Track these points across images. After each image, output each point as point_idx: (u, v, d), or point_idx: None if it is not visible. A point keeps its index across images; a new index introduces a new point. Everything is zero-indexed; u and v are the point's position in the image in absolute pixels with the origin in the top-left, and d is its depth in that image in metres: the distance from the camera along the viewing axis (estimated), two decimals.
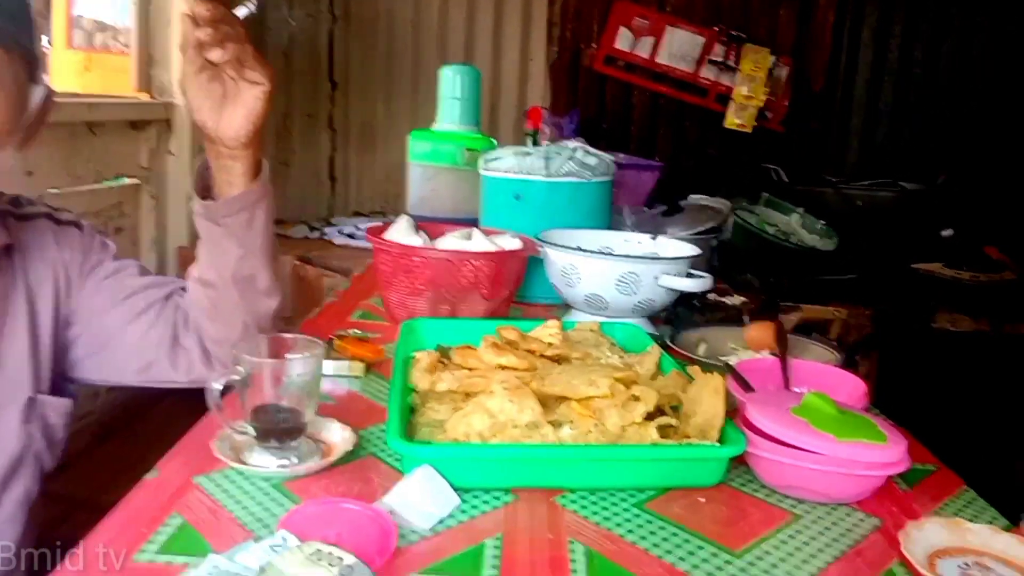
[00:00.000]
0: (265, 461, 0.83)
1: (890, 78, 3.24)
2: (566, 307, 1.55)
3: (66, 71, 2.85)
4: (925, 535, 0.73)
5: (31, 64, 0.87)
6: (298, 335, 0.89)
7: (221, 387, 0.82)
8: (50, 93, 0.90)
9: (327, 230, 2.99)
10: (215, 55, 0.84)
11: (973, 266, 2.64)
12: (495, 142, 2.10)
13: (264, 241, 0.98)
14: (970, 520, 0.76)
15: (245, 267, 0.98)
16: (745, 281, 2.48)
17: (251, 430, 0.84)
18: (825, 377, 1.07)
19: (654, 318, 1.55)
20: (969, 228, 2.76)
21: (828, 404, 0.84)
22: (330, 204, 3.47)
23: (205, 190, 0.98)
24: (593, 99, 3.36)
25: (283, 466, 0.83)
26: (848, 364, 2.57)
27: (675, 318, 1.57)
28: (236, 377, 0.82)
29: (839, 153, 3.30)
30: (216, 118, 0.90)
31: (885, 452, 0.80)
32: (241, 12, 0.90)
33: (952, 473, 0.94)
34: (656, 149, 3.36)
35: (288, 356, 0.86)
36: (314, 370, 0.85)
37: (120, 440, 2.03)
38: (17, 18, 0.85)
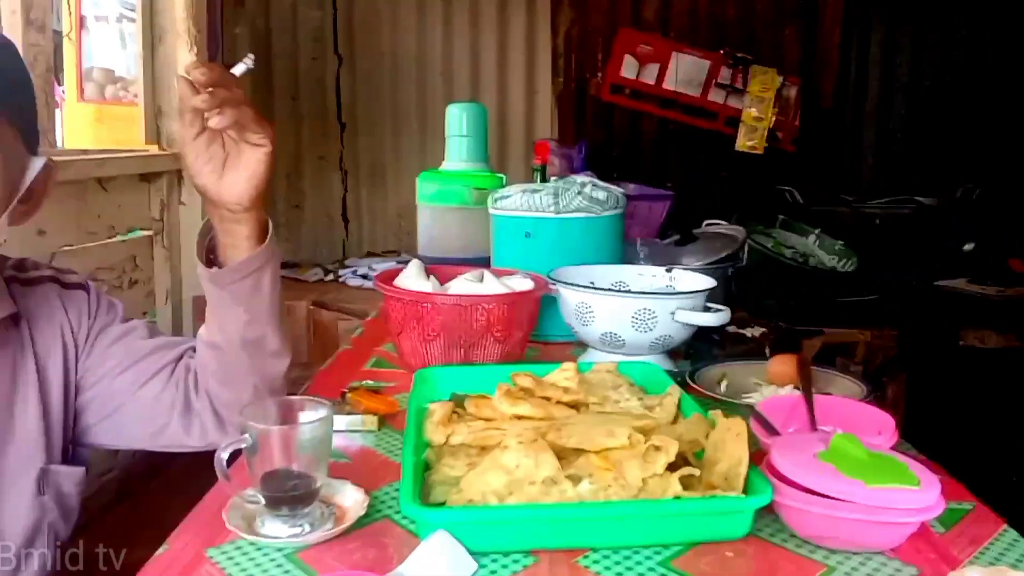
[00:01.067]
0: (277, 530, 0.81)
1: (900, 92, 3.22)
2: (583, 345, 1.53)
3: (79, 123, 2.89)
4: None
5: (28, 136, 0.86)
6: (305, 397, 0.87)
7: (228, 455, 0.80)
8: (50, 164, 0.89)
9: (341, 272, 2.98)
10: (214, 121, 0.83)
11: (998, 280, 2.59)
12: (504, 179, 2.09)
13: (271, 304, 0.96)
14: (1013, 566, 0.73)
15: (252, 331, 0.96)
16: (765, 307, 2.45)
17: (261, 498, 0.82)
18: (852, 413, 1.03)
19: (673, 353, 1.52)
20: (991, 241, 2.71)
21: (856, 446, 0.81)
22: (344, 245, 3.47)
23: (210, 253, 0.96)
24: (601, 128, 3.35)
25: (295, 535, 0.80)
26: (875, 387, 2.52)
27: (694, 353, 1.54)
28: (243, 444, 0.80)
29: (853, 171, 3.27)
30: (217, 182, 0.88)
31: (918, 496, 0.76)
32: (239, 70, 0.89)
33: (991, 511, 0.90)
34: (668, 175, 3.34)
35: (297, 421, 0.84)
36: (324, 433, 0.83)
37: (139, 496, 2.01)
38: (12, 91, 0.85)
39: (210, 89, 0.82)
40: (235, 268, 0.92)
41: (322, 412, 0.83)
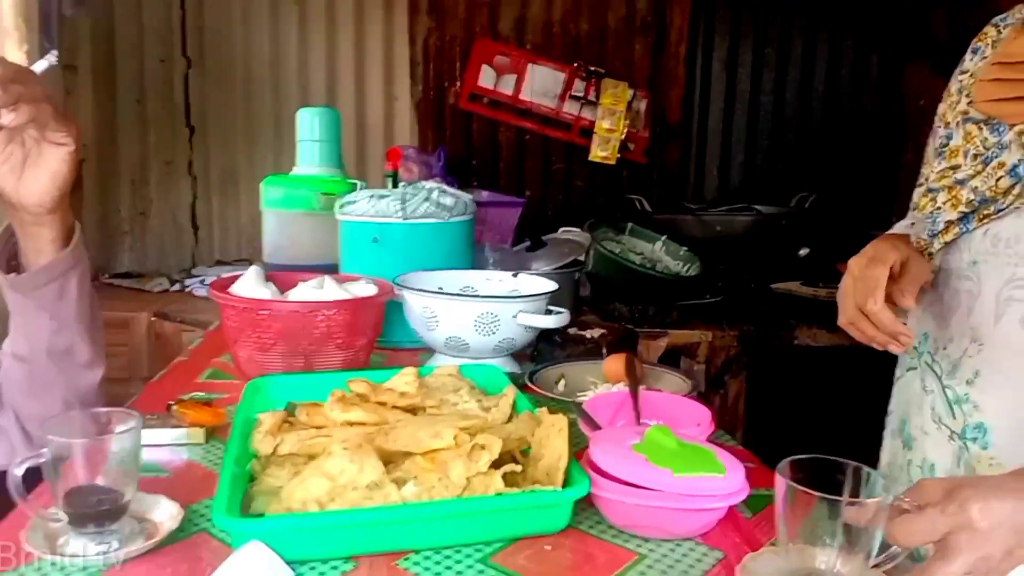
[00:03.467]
0: (82, 548, 0.77)
1: (741, 107, 3.40)
2: (432, 351, 1.53)
3: None
4: (761, 565, 0.73)
5: None
6: (114, 409, 0.82)
7: (23, 471, 0.76)
8: None
9: (188, 282, 2.86)
10: (7, 119, 0.78)
11: (828, 283, 2.78)
12: (356, 184, 2.07)
13: (80, 311, 0.92)
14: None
15: (60, 340, 0.91)
16: (614, 310, 2.53)
17: (64, 516, 0.78)
18: (675, 408, 1.08)
19: (519, 355, 1.55)
20: (823, 247, 2.90)
21: (668, 437, 0.85)
22: (195, 253, 3.33)
23: (12, 259, 0.90)
24: (460, 136, 3.37)
25: (102, 553, 0.76)
26: (716, 385, 2.64)
27: (538, 355, 1.57)
28: (42, 459, 0.76)
29: (699, 181, 3.43)
30: (16, 182, 0.83)
31: (722, 483, 0.81)
32: (40, 66, 0.84)
33: (802, 492, 0.96)
34: (525, 184, 3.41)
35: (105, 433, 0.80)
36: (132, 446, 0.79)
37: None
38: None
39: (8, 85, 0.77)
40: (37, 273, 0.87)
41: (130, 423, 0.80)
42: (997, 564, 0.67)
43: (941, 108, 1.10)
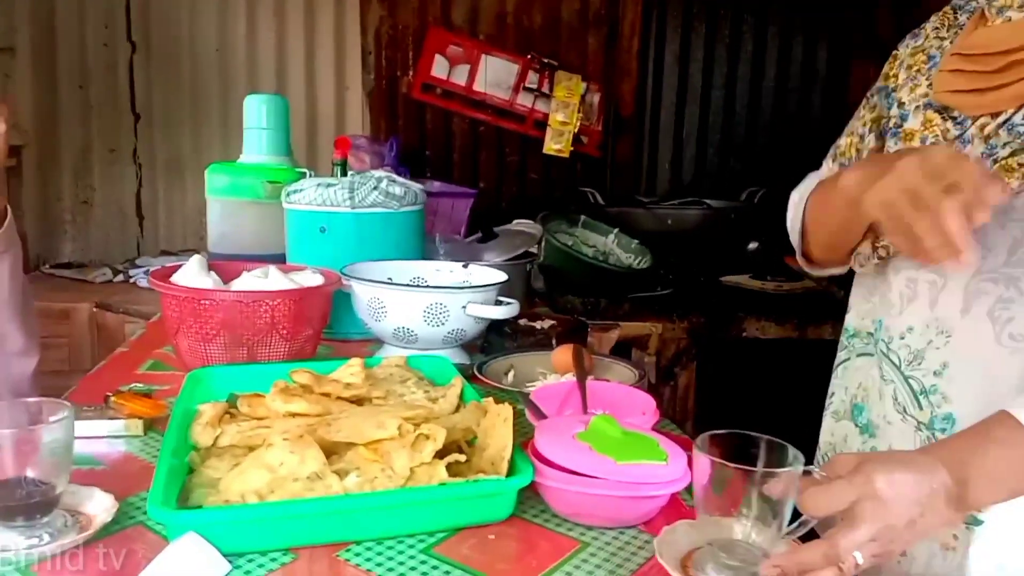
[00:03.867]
0: (11, 542, 0.74)
1: (693, 101, 3.43)
2: (380, 342, 1.52)
3: None
4: (679, 536, 0.74)
5: None
6: (44, 399, 0.80)
7: None
8: None
9: (132, 272, 2.79)
10: None
11: (777, 276, 2.83)
12: (306, 172, 2.03)
13: (11, 297, 0.89)
14: None
15: None
16: (567, 303, 2.54)
17: None
18: (621, 397, 1.09)
19: (469, 346, 1.54)
20: (772, 241, 2.94)
21: (612, 426, 0.85)
22: (139, 243, 3.26)
23: None
24: (413, 126, 3.35)
25: (32, 547, 0.74)
26: (666, 377, 2.65)
27: (488, 346, 1.57)
28: None
29: (651, 175, 3.45)
30: None
31: (664, 471, 0.81)
32: None
33: (719, 465, 0.97)
34: (479, 175, 3.39)
35: (34, 423, 0.77)
36: (63, 437, 0.76)
37: None
38: None
39: None
40: None
41: (62, 414, 0.77)
42: (900, 534, 0.69)
43: (890, 69, 1.11)
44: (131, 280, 2.74)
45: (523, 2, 3.31)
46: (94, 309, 2.38)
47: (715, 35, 3.42)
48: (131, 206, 3.25)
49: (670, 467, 0.82)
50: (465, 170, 3.38)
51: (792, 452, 0.72)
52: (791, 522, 0.72)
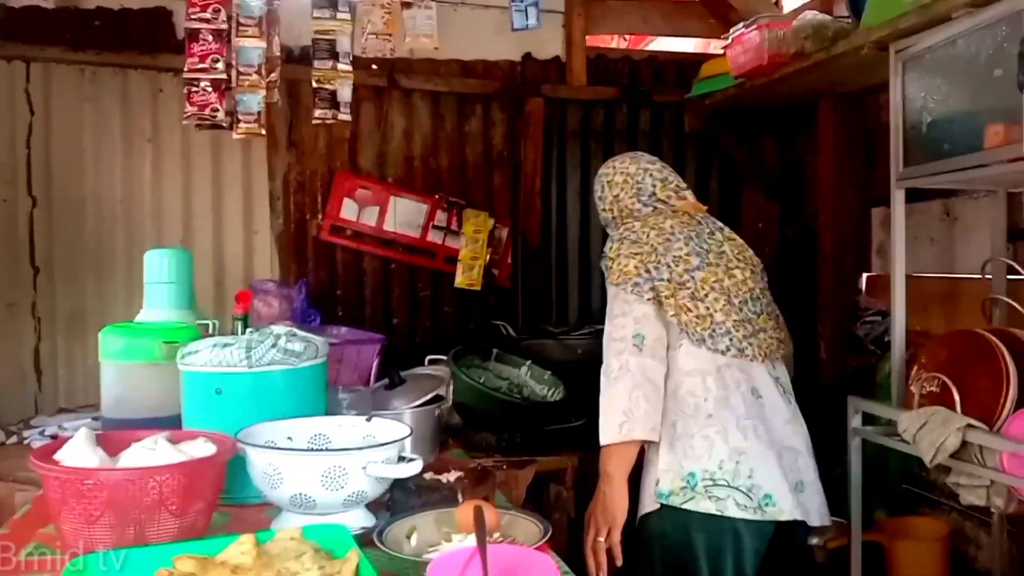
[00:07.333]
0: None
1: (596, 233, 3.55)
2: (278, 507, 1.47)
3: None
4: None
5: None
6: None
7: None
8: None
9: (27, 433, 2.65)
10: None
11: None
12: (209, 324, 2.00)
13: None
14: None
15: None
16: (482, 440, 2.52)
17: None
18: (521, 562, 1.07)
19: (376, 503, 1.51)
20: None
21: None
22: (37, 399, 3.12)
23: None
24: (324, 267, 3.36)
25: None
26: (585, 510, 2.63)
27: (394, 504, 1.53)
28: None
29: (561, 305, 3.53)
30: None
31: None
32: None
33: None
34: (392, 311, 3.41)
35: None
36: None
37: None
38: None
39: None
40: None
41: None
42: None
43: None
44: (25, 442, 2.60)
45: (430, 145, 3.43)
46: None
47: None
48: (29, 362, 3.13)
49: None
50: (376, 308, 3.40)
51: None
52: None
